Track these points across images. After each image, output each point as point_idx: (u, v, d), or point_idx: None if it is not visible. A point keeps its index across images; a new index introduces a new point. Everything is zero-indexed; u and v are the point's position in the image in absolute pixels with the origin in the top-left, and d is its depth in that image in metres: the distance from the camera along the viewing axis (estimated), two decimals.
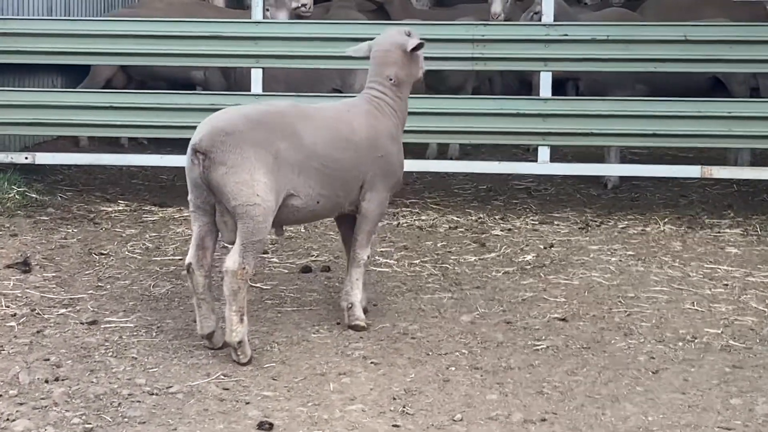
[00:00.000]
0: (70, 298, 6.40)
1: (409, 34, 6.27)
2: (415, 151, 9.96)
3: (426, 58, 8.26)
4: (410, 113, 8.22)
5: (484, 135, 8.54)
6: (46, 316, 6.08)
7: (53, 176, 9.47)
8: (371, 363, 5.45)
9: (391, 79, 6.15)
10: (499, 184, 9.58)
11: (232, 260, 5.42)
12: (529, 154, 10.26)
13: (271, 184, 5.39)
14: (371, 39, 8.30)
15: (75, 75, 10.99)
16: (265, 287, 6.67)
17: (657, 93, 9.07)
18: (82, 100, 8.78)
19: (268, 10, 9.37)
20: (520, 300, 6.44)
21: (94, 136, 9.81)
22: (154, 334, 5.85)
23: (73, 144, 10.41)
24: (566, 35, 8.28)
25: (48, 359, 5.44)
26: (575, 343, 5.73)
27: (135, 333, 5.85)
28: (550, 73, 8.41)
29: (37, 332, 5.83)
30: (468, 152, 10.55)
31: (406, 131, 8.19)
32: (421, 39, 6.21)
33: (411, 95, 8.09)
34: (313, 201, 5.67)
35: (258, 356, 5.52)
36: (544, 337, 5.82)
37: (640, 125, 8.27)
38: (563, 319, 6.09)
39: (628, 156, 10.44)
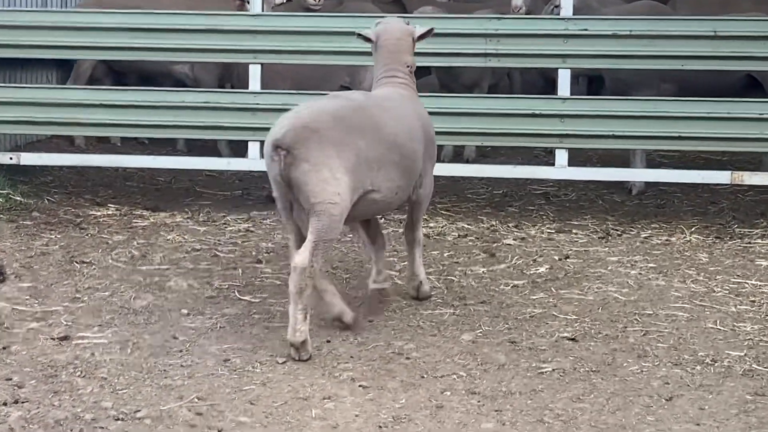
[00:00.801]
0: (44, 311, 6.19)
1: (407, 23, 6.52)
2: None
3: (436, 54, 8.18)
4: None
5: (497, 137, 8.29)
6: (15, 331, 5.87)
7: (42, 177, 9.28)
8: (359, 386, 5.20)
9: (408, 66, 6.39)
10: (516, 188, 9.31)
11: (302, 257, 5.45)
12: (550, 156, 9.98)
13: (351, 183, 5.53)
14: None
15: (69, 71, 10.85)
16: (254, 300, 6.44)
17: (684, 93, 8.75)
18: (69, 97, 8.60)
19: (248, 2, 9.16)
20: (528, 317, 6.18)
21: (82, 135, 9.57)
22: (129, 351, 5.63)
23: (68, 143, 10.23)
24: (586, 30, 8.00)
25: (10, 379, 5.23)
26: (583, 366, 5.46)
27: (108, 350, 5.63)
28: (569, 71, 8.13)
29: (3, 348, 5.62)
30: (485, 153, 10.28)
31: None
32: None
33: (422, 94, 7.94)
34: (392, 193, 5.87)
35: (237, 377, 5.30)
36: (550, 359, 5.55)
37: (666, 127, 7.99)
38: (573, 339, 5.82)
39: (656, 159, 10.13)
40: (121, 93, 8.69)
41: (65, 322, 6.01)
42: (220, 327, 5.98)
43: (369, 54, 8.11)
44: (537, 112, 8.09)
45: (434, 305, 6.37)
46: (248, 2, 9.20)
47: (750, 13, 9.04)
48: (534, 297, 6.52)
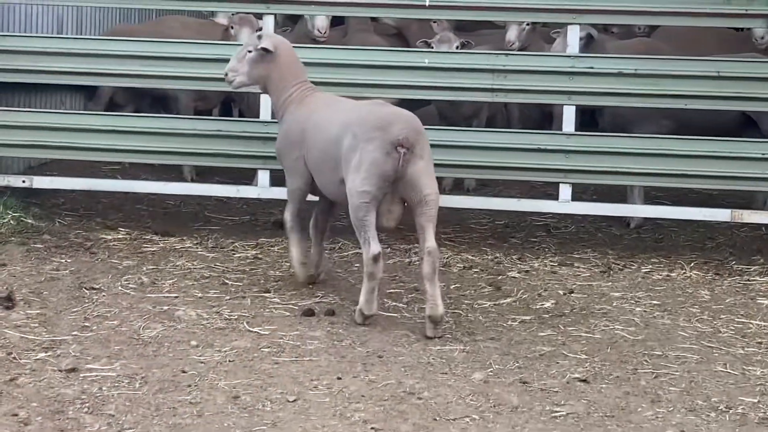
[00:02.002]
0: (52, 340, 5.75)
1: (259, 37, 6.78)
2: None
3: (443, 88, 7.77)
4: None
5: (502, 170, 7.86)
6: (22, 361, 5.43)
7: (54, 200, 8.83)
8: (371, 429, 4.77)
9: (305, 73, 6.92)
10: (517, 219, 8.88)
11: (433, 242, 5.92)
12: (549, 188, 9.56)
13: None
14: (387, 66, 7.78)
15: (86, 95, 10.42)
16: (263, 332, 6.00)
17: (683, 129, 8.34)
18: (83, 123, 8.16)
19: (232, 28, 8.76)
20: (538, 355, 5.75)
21: (93, 160, 9.11)
22: (138, 385, 5.19)
23: (82, 166, 9.78)
24: (591, 68, 7.60)
25: (17, 414, 4.80)
26: (597, 411, 5.03)
27: (116, 384, 5.19)
28: (574, 108, 7.72)
29: (10, 380, 5.18)
30: (485, 183, 9.84)
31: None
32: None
33: (426, 126, 7.53)
34: None
35: (247, 416, 4.86)
36: (563, 402, 5.12)
37: (669, 164, 7.60)
38: (584, 381, 5.39)
39: (651, 193, 9.69)
40: (132, 120, 8.30)
41: (73, 353, 5.57)
42: (229, 361, 5.54)
43: (376, 86, 7.80)
44: (542, 147, 7.69)
45: (444, 341, 5.94)
46: (232, 28, 8.84)
47: (718, 51, 8.67)
48: (542, 334, 6.10)
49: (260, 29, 8.95)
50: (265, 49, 6.67)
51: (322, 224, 6.87)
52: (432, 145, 7.55)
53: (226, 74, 6.81)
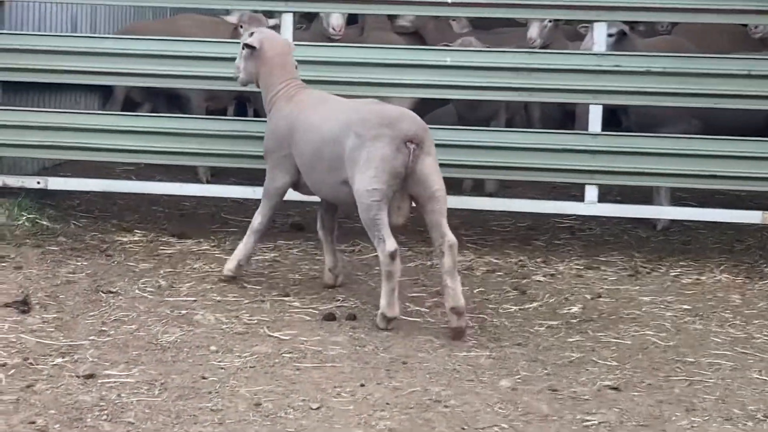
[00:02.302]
0: (69, 345, 5.68)
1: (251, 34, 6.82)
2: (450, 183, 9.20)
3: (465, 87, 7.67)
4: (445, 146, 7.59)
5: (525, 171, 7.74)
6: (39, 367, 5.36)
7: (69, 201, 8.76)
8: None
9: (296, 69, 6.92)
10: (541, 221, 8.78)
11: (452, 235, 6.00)
12: (572, 189, 9.47)
13: None
14: (406, 65, 7.69)
15: (101, 94, 10.36)
16: (283, 337, 5.91)
17: (712, 129, 8.23)
18: (98, 123, 8.08)
19: (242, 26, 8.67)
20: (567, 362, 5.65)
21: (108, 161, 9.03)
22: (157, 392, 5.11)
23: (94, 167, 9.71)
24: (618, 66, 7.49)
25: (34, 422, 4.72)
26: (630, 420, 4.93)
27: (135, 390, 5.11)
28: (600, 107, 7.61)
29: (27, 387, 5.10)
30: (507, 185, 9.72)
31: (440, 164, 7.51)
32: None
33: (446, 126, 7.49)
34: None
35: (270, 424, 4.78)
36: (594, 410, 5.02)
37: (698, 165, 7.49)
38: (616, 388, 5.29)
39: (676, 193, 9.56)
40: (148, 120, 8.22)
41: (91, 358, 5.50)
42: (250, 367, 5.46)
43: (395, 85, 7.71)
44: (567, 147, 7.58)
45: (469, 347, 5.85)
46: (241, 27, 8.75)
47: (730, 47, 8.58)
48: (570, 340, 6.00)
49: (273, 27, 8.92)
50: (248, 46, 6.71)
51: (329, 223, 6.82)
52: (452, 146, 7.59)
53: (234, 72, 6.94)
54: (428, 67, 7.65)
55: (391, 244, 5.91)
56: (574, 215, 8.55)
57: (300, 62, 7.69)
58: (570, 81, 7.55)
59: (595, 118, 7.60)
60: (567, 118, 10.21)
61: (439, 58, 7.67)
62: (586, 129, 9.43)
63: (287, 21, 7.84)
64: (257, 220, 6.78)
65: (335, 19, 8.79)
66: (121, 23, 10.75)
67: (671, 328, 6.24)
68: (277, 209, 6.84)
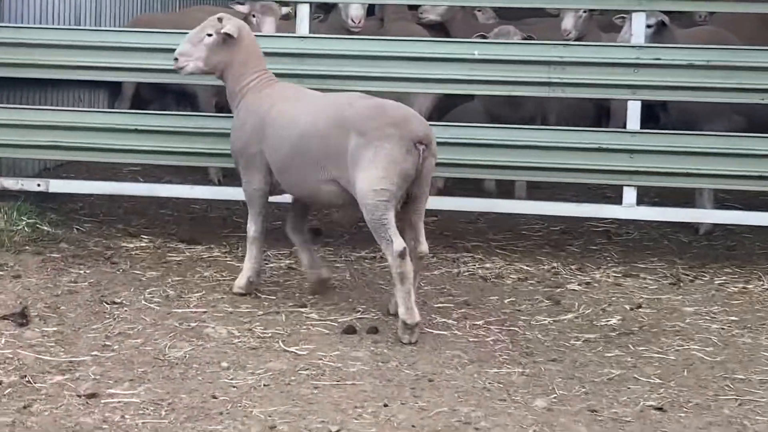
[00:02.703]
0: (70, 361, 5.51)
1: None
2: (472, 184, 9.06)
3: (494, 82, 7.48)
4: (473, 145, 7.41)
5: (558, 172, 7.56)
6: (37, 386, 5.19)
7: (71, 204, 8.62)
8: None
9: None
10: (574, 225, 8.58)
11: (426, 245, 6.13)
12: (606, 190, 9.28)
13: None
14: (431, 58, 7.51)
15: (106, 91, 10.23)
16: (300, 353, 5.74)
17: (756, 126, 8.04)
18: (102, 122, 7.92)
19: (254, 16, 8.48)
20: (606, 379, 5.45)
21: (115, 162, 8.89)
22: (164, 413, 4.94)
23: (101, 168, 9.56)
24: (659, 59, 7.29)
25: None
26: None
27: (141, 411, 4.95)
28: (639, 103, 7.42)
29: (24, 407, 4.94)
30: (535, 185, 9.48)
31: (465, 165, 7.33)
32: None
33: (474, 125, 7.31)
34: None
35: None
36: None
37: (746, 165, 7.29)
38: (660, 408, 5.10)
39: (718, 195, 9.34)
40: (155, 118, 8.04)
41: (93, 376, 5.33)
42: (264, 385, 5.28)
43: (418, 80, 7.52)
44: (604, 146, 7.38)
45: (500, 362, 5.66)
46: (254, 17, 8.56)
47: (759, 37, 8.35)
48: (609, 355, 5.81)
49: (286, 16, 8.77)
50: (228, 34, 6.55)
51: (299, 225, 6.73)
52: (477, 145, 7.41)
53: (176, 59, 6.70)
54: (455, 61, 7.45)
55: (399, 243, 5.83)
56: (611, 219, 8.33)
57: (317, 56, 7.55)
58: (607, 75, 7.36)
59: (634, 114, 7.41)
60: (601, 114, 10.01)
61: (466, 51, 7.47)
62: (623, 126, 9.35)
63: (303, 11, 7.67)
64: (251, 228, 6.65)
65: (354, 9, 8.59)
66: (127, 16, 10.62)
67: (718, 341, 6.04)
68: (268, 211, 6.68)
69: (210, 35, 6.62)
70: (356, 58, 7.52)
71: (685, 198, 9.31)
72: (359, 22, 8.68)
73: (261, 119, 6.47)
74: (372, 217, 5.90)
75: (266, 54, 7.07)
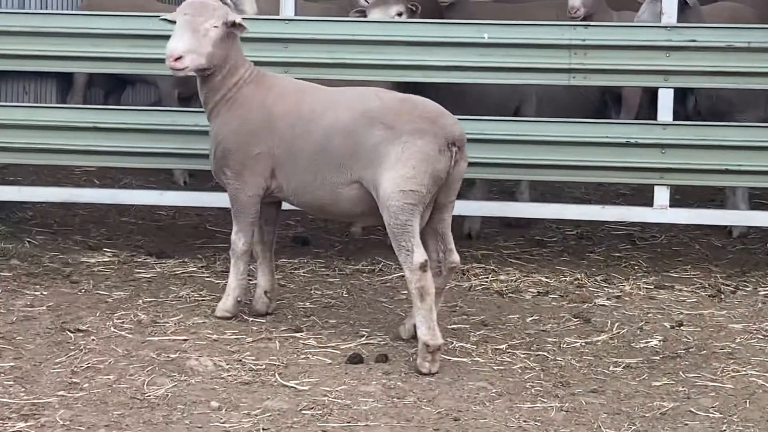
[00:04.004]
0: (33, 404, 5.10)
1: None
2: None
3: (507, 69, 7.14)
4: (481, 140, 7.06)
5: (580, 171, 7.23)
6: None
7: (20, 213, 8.21)
8: None
9: None
10: (592, 228, 8.26)
11: (457, 255, 5.89)
12: (622, 188, 8.99)
13: None
14: (435, 43, 7.16)
15: (53, 83, 9.80)
16: (301, 387, 5.36)
17: None
18: (52, 118, 7.48)
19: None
20: (658, 414, 5.11)
21: (67, 165, 8.47)
22: None
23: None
24: (694, 41, 6.96)
25: None
26: None
27: None
28: (672, 91, 7.09)
29: None
30: (533, 186, 9.03)
31: (480, 164, 6.99)
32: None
33: (482, 117, 7.22)
34: None
35: None
36: None
37: None
38: None
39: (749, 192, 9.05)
40: (118, 114, 7.61)
41: (61, 421, 4.92)
42: (262, 429, 4.89)
43: (423, 68, 7.15)
44: (633, 140, 7.05)
45: (533, 395, 5.31)
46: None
47: None
48: (657, 384, 5.46)
49: None
50: (240, 25, 6.09)
51: (269, 236, 6.41)
52: (488, 141, 7.06)
53: (180, 57, 5.98)
54: (462, 46, 7.11)
55: (420, 254, 5.53)
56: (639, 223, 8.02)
57: (304, 41, 7.20)
58: (635, 60, 7.01)
59: (666, 104, 7.10)
60: (607, 101, 9.59)
61: (474, 34, 7.11)
62: (634, 115, 9.05)
63: None
64: (239, 242, 6.25)
65: None
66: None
67: None
68: (257, 222, 6.28)
69: (216, 27, 6.03)
70: (349, 44, 7.13)
71: (711, 195, 9.05)
72: None
73: (269, 115, 6.06)
74: (396, 221, 5.57)
75: (245, 40, 6.70)
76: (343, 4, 8.53)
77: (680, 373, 5.60)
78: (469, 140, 6.92)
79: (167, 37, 7.14)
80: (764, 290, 6.99)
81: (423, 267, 5.51)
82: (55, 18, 7.98)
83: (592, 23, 7.48)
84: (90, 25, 7.51)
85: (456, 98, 7.37)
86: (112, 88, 10.06)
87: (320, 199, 5.96)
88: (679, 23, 7.06)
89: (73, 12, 9.22)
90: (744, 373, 5.61)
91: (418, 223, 5.60)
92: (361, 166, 5.72)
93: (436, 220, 5.77)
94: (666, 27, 7.02)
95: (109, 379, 5.41)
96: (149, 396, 5.22)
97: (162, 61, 7.17)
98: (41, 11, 9.24)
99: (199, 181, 9.06)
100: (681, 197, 8.74)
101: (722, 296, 6.86)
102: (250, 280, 6.57)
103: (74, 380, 5.39)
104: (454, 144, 5.63)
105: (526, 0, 10.31)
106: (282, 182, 6.07)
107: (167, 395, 5.23)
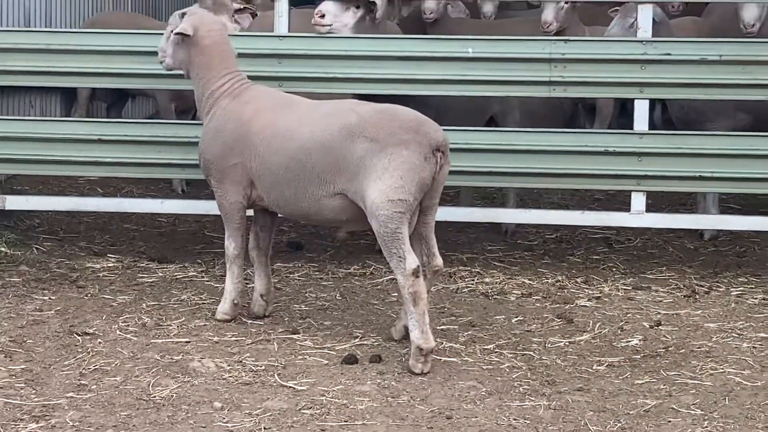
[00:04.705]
0: (44, 405, 4.98)
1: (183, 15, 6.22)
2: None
3: (490, 82, 7.03)
4: (467, 150, 6.95)
5: (559, 178, 7.12)
6: None
7: (28, 221, 8.06)
8: None
9: None
10: (570, 232, 8.16)
11: (440, 258, 5.72)
12: (598, 194, 8.89)
13: None
14: (421, 57, 7.05)
15: (61, 98, 9.66)
16: (299, 387, 5.24)
17: (763, 123, 7.66)
18: (59, 131, 7.32)
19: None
20: (642, 411, 5.01)
21: (73, 176, 8.33)
22: None
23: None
24: (668, 54, 6.86)
25: None
26: None
27: None
28: (647, 102, 7.00)
29: None
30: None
31: (457, 172, 6.87)
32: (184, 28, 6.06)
33: (466, 128, 7.08)
34: None
35: None
36: None
37: (760, 167, 6.87)
38: None
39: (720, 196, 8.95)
40: (121, 127, 7.48)
41: (71, 422, 4.79)
42: (264, 428, 4.78)
43: (404, 81, 7.02)
44: (611, 149, 6.95)
45: (522, 394, 5.20)
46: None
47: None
48: (639, 382, 5.36)
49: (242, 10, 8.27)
50: (180, 33, 6.09)
51: (264, 242, 6.26)
52: (471, 150, 6.95)
53: (162, 56, 6.31)
54: (447, 60, 7.00)
55: (412, 260, 5.40)
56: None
57: (297, 57, 7.09)
58: (613, 73, 6.92)
59: (642, 114, 6.99)
60: (580, 112, 9.50)
61: (459, 48, 7.01)
62: (607, 124, 8.96)
63: (282, 7, 7.16)
64: (230, 246, 6.14)
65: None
66: (77, 17, 10.07)
67: (753, 363, 5.62)
68: (246, 226, 6.16)
69: (172, 32, 6.17)
70: (340, 59, 7.01)
71: (681, 200, 8.97)
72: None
73: (244, 129, 5.94)
74: (385, 230, 5.43)
75: (242, 55, 6.59)
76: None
77: (661, 371, 5.49)
78: (456, 150, 6.88)
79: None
80: (736, 291, 6.89)
81: (416, 272, 5.39)
82: (59, 36, 7.79)
83: (571, 38, 7.38)
84: (93, 42, 7.37)
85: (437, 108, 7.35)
86: (114, 102, 9.92)
87: (303, 210, 5.83)
88: (654, 37, 6.95)
89: (77, 30, 9.04)
90: (722, 371, 5.51)
91: (407, 229, 5.49)
92: (344, 180, 5.58)
93: (421, 223, 5.63)
94: (642, 41, 6.91)
95: (116, 380, 5.29)
96: (155, 397, 5.10)
97: (161, 76, 7.18)
98: (46, 29, 9.04)
99: (197, 188, 8.92)
100: (653, 201, 8.61)
101: (697, 296, 6.76)
102: (248, 282, 6.46)
103: (83, 382, 5.26)
104: (439, 149, 5.49)
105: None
106: (262, 193, 5.94)
107: (172, 396, 5.11)
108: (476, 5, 10.14)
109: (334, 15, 7.00)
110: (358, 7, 7.08)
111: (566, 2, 8.24)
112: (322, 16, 7.00)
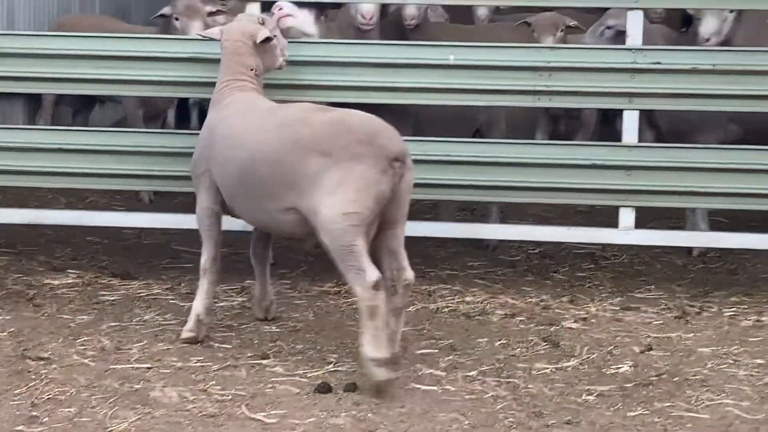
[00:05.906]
0: None
1: (262, 22, 6.04)
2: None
3: (472, 91, 6.68)
4: (447, 162, 6.62)
5: (545, 192, 6.74)
6: None
7: None
8: None
9: (252, 69, 5.94)
10: (554, 247, 7.79)
11: (411, 271, 5.37)
12: (580, 207, 8.53)
13: None
14: (400, 65, 6.71)
15: (20, 102, 9.24)
16: (269, 420, 4.88)
17: (754, 135, 7.35)
18: (18, 140, 6.91)
19: (177, 19, 7.83)
20: None
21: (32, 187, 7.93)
22: None
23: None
24: (659, 63, 6.51)
25: None
26: None
27: None
28: (637, 113, 6.65)
29: None
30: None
31: (438, 185, 6.56)
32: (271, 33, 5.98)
33: (449, 139, 6.74)
34: None
35: None
36: None
37: (762, 182, 6.53)
38: None
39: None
40: (83, 135, 7.05)
41: None
42: None
43: (387, 89, 6.67)
44: (599, 162, 6.60)
45: (507, 426, 4.84)
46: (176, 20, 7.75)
47: None
48: (632, 414, 5.00)
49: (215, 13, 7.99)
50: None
51: (263, 251, 6.08)
52: (454, 162, 6.59)
53: None
54: (427, 68, 6.62)
55: (373, 272, 5.06)
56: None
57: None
58: (600, 82, 6.56)
59: (631, 126, 6.63)
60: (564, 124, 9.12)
61: (440, 56, 6.63)
62: (590, 134, 8.61)
63: (254, 12, 6.74)
64: (203, 257, 5.87)
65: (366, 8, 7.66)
66: (41, 19, 9.69)
67: (751, 393, 5.27)
68: (220, 238, 5.84)
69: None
70: (316, 65, 6.63)
71: (668, 214, 8.61)
72: (371, 19, 7.64)
73: (211, 135, 5.77)
74: (339, 243, 5.09)
75: (210, 60, 6.24)
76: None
77: (654, 402, 5.13)
78: (435, 162, 6.55)
79: (132, 58, 6.79)
80: (729, 312, 6.55)
81: (376, 286, 5.04)
82: (22, 39, 7.38)
83: (558, 45, 7.03)
84: (58, 46, 6.97)
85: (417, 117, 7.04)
86: (81, 107, 9.54)
87: (263, 222, 5.62)
88: (644, 46, 6.60)
89: (41, 33, 8.63)
90: (719, 402, 5.16)
91: (364, 242, 5.13)
92: (295, 195, 5.27)
93: (389, 236, 5.31)
94: (631, 49, 6.56)
95: (70, 412, 4.90)
96: (112, 431, 4.71)
97: (128, 82, 6.80)
98: (8, 32, 8.62)
99: (164, 198, 8.53)
100: (639, 215, 8.25)
101: (688, 318, 6.42)
102: (215, 301, 6.08)
103: (34, 413, 4.88)
104: (396, 160, 5.15)
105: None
106: (227, 201, 5.70)
107: (130, 430, 4.74)
108: (456, 10, 9.77)
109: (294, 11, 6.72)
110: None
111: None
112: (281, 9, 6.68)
